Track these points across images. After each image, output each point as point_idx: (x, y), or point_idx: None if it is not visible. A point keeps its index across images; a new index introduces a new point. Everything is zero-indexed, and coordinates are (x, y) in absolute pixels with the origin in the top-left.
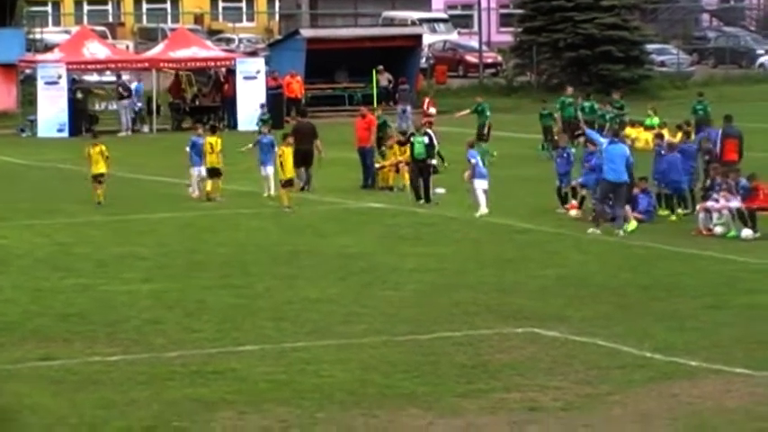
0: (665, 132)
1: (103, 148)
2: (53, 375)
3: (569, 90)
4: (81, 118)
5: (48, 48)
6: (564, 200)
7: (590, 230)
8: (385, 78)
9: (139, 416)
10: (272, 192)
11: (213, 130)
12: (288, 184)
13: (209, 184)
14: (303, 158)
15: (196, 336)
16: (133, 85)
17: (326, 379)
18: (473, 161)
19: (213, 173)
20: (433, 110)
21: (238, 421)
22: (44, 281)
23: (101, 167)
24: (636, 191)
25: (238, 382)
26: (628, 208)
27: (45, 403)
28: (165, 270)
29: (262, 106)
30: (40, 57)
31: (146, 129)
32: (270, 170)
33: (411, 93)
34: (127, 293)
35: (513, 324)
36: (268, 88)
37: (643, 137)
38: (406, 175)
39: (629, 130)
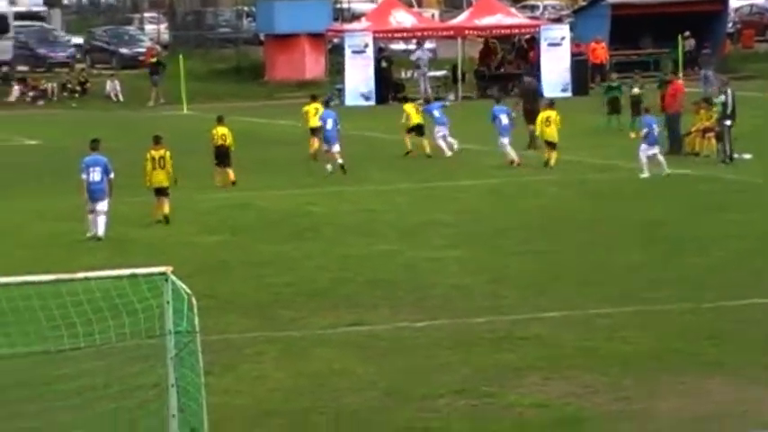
0: None
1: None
2: (362, 341)
3: None
4: (387, 86)
5: (355, 17)
6: None
7: None
8: (690, 44)
9: (448, 380)
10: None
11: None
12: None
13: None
14: (529, 116)
15: (501, 302)
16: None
17: (632, 346)
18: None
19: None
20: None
21: (545, 387)
22: (352, 247)
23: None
24: None
25: (544, 348)
26: None
27: (355, 368)
28: (470, 237)
29: None
30: (347, 26)
31: (451, 96)
32: (507, 140)
33: (713, 57)
34: (433, 260)
35: None
36: (572, 54)
37: None
38: (713, 141)
39: None
